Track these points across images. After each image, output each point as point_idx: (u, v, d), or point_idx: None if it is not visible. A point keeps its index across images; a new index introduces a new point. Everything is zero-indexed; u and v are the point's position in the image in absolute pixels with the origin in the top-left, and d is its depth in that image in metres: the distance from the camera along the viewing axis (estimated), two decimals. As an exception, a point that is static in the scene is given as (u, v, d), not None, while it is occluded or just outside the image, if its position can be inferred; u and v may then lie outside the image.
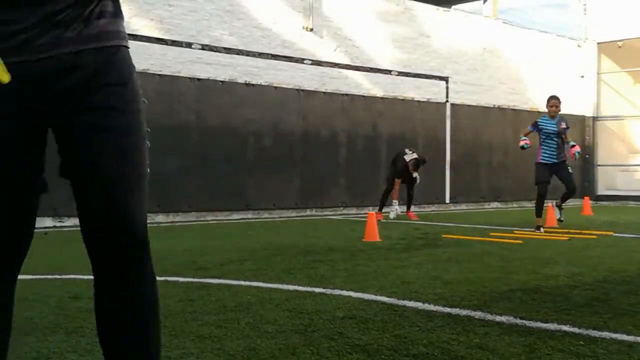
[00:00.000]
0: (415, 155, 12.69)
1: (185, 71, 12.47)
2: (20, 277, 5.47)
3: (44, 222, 10.81)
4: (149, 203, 1.86)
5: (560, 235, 9.17)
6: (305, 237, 8.94)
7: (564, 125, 9.66)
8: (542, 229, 9.57)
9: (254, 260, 6.53)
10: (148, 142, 1.82)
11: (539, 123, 9.86)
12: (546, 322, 3.87)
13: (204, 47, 12.63)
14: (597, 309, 4.23)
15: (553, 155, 9.60)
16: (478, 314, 4.07)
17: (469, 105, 17.09)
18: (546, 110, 9.94)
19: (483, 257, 6.79)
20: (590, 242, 8.40)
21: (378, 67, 15.32)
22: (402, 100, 15.59)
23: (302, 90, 14.02)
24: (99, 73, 1.74)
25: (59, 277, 5.50)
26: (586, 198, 15.68)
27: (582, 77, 20.37)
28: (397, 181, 12.61)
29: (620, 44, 19.55)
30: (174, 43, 12.29)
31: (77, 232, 7.28)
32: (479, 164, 17.21)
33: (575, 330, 3.69)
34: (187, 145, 12.38)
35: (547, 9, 19.75)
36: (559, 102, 9.81)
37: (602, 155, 20.37)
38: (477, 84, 17.57)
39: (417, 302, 4.43)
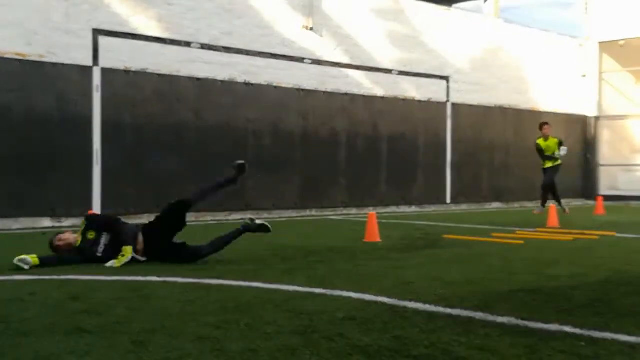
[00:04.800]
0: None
1: (185, 70, 12.45)
2: (18, 277, 5.47)
3: (42, 223, 10.80)
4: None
5: (562, 235, 9.15)
6: (305, 237, 8.92)
7: None
8: None
9: (253, 261, 6.51)
10: None
11: None
12: (548, 323, 3.84)
13: (204, 46, 12.61)
14: (599, 310, 4.20)
15: None
16: (479, 315, 4.05)
17: (469, 105, 17.07)
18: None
19: (484, 258, 6.76)
20: (592, 242, 8.38)
21: (378, 66, 15.30)
22: (403, 99, 15.57)
23: (302, 89, 13.99)
24: None
25: (57, 277, 5.47)
26: (599, 198, 15.66)
27: (584, 76, 20.34)
28: None
29: (622, 43, 19.52)
30: (173, 42, 12.27)
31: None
32: (480, 164, 17.19)
33: (577, 331, 3.66)
34: (186, 145, 12.37)
35: (548, 8, 19.73)
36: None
37: (604, 155, 20.35)
38: (478, 84, 17.54)
39: (418, 303, 4.40)
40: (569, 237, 8.86)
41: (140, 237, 6.35)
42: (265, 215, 13.30)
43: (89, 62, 11.28)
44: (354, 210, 14.56)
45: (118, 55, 11.64)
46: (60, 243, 6.32)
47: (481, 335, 3.55)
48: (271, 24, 13.73)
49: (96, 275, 5.57)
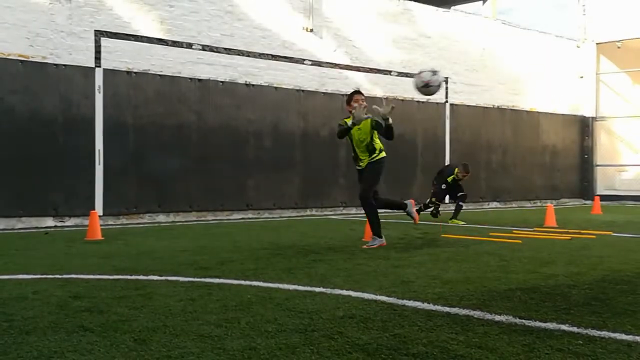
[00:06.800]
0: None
1: (186, 72, 12.49)
2: (21, 276, 5.49)
3: (44, 222, 10.84)
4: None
5: (559, 234, 9.19)
6: (305, 237, 8.95)
7: None
8: None
9: (254, 260, 6.54)
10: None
11: None
12: (545, 321, 3.88)
13: (205, 48, 12.65)
14: (595, 309, 4.24)
15: None
16: (477, 314, 4.08)
17: (468, 106, 17.11)
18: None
19: (482, 257, 6.80)
20: (589, 241, 8.41)
21: (378, 67, 15.34)
22: (402, 100, 15.61)
23: (302, 90, 14.03)
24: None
25: (59, 276, 5.51)
26: (596, 198, 15.70)
27: (581, 77, 20.39)
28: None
29: (619, 44, 19.57)
30: (175, 44, 12.31)
31: (77, 231, 7.34)
32: (478, 164, 17.22)
33: (574, 329, 3.69)
34: (187, 145, 12.41)
35: (546, 10, 19.79)
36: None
37: (601, 155, 20.39)
38: (477, 84, 17.58)
39: (417, 302, 4.44)
40: (566, 237, 8.90)
41: None
42: (266, 214, 13.34)
43: (91, 63, 11.32)
44: (353, 210, 14.59)
45: (120, 57, 11.68)
46: None
47: (479, 334, 3.59)
48: (271, 25, 13.77)
49: (98, 274, 5.61)
